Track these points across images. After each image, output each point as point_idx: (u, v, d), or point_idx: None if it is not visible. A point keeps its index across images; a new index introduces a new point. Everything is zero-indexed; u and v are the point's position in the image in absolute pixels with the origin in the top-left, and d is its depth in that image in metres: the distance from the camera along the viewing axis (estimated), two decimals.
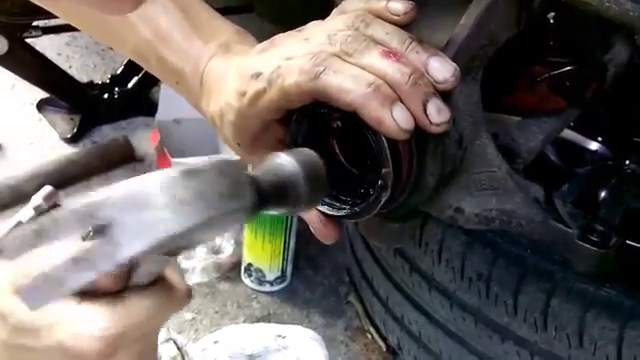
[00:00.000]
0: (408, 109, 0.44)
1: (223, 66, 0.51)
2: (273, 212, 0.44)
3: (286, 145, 0.51)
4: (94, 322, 0.40)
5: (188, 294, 0.44)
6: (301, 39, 0.47)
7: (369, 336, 0.94)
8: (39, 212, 1.12)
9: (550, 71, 0.73)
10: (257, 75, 0.46)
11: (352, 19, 0.47)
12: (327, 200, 0.48)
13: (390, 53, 0.45)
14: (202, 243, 0.40)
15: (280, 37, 0.49)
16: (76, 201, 0.37)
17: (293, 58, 0.45)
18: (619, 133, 0.95)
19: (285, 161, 0.42)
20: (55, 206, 1.15)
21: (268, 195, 0.41)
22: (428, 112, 0.44)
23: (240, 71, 0.48)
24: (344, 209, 0.48)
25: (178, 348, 0.86)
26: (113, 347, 0.40)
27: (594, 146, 0.98)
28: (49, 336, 0.41)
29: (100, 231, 0.36)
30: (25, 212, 1.12)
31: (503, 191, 0.54)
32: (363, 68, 0.44)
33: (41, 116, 1.39)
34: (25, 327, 0.41)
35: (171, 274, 0.44)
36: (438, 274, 0.75)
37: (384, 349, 0.91)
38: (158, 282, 0.42)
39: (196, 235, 0.38)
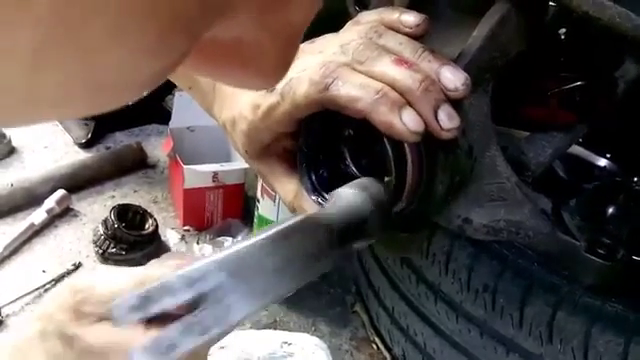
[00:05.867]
0: (419, 114, 0.45)
1: None
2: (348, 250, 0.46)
3: (298, 151, 0.52)
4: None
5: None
6: (315, 52, 0.48)
7: (374, 346, 0.94)
8: (52, 215, 1.14)
9: (560, 86, 0.74)
10: (271, 89, 0.47)
11: (366, 30, 0.48)
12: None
13: (402, 61, 0.46)
14: None
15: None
16: (182, 269, 0.38)
17: (306, 70, 0.46)
18: (628, 150, 0.96)
19: (356, 198, 0.43)
20: (68, 210, 1.17)
21: (348, 237, 0.43)
22: (439, 118, 0.45)
23: None
24: None
25: None
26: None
27: (603, 162, 0.98)
28: None
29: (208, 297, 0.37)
30: (38, 214, 1.14)
31: (512, 202, 0.54)
32: (374, 76, 0.45)
33: (56, 122, 1.42)
34: (94, 352, 0.42)
35: None
36: (444, 285, 0.76)
37: (389, 359, 0.92)
38: None
39: (287, 294, 0.40)
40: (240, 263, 0.37)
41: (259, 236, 0.38)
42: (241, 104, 0.51)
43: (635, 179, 0.90)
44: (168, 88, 1.37)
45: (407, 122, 0.44)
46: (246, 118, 0.50)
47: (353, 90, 0.44)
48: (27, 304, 0.96)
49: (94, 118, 1.38)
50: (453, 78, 0.46)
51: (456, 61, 0.49)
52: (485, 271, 0.71)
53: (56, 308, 0.43)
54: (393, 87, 0.45)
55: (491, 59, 0.51)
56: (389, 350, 0.91)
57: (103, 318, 0.43)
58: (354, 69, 0.46)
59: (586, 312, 0.66)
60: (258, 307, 0.38)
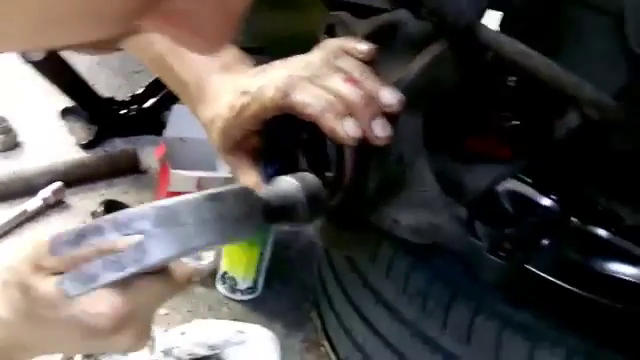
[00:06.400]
0: (358, 124, 0.56)
1: (221, 82, 0.62)
2: (279, 225, 0.51)
3: (261, 152, 0.63)
4: (108, 301, 0.45)
5: (188, 281, 0.50)
6: (285, 66, 0.59)
7: (322, 349, 1.03)
8: (46, 203, 1.24)
9: (499, 124, 0.86)
10: (245, 92, 0.58)
11: (326, 53, 0.60)
12: None
13: (351, 79, 0.58)
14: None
15: (270, 64, 0.61)
16: (117, 212, 0.44)
17: (273, 79, 0.57)
18: (570, 190, 1.07)
19: (289, 184, 0.51)
20: (61, 202, 1.27)
21: (275, 214, 0.49)
22: (374, 127, 0.56)
23: (234, 88, 0.59)
24: None
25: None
26: (122, 323, 0.46)
27: (547, 202, 1.09)
28: (67, 310, 0.45)
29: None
30: (33, 202, 1.24)
31: (433, 209, 0.65)
32: (327, 89, 0.56)
33: (62, 123, 1.53)
34: (45, 300, 0.46)
35: (177, 262, 0.49)
36: (385, 290, 0.86)
37: None
38: (164, 269, 0.49)
39: (211, 248, 0.46)
40: (166, 214, 0.43)
41: (196, 194, 0.44)
42: (220, 105, 0.60)
43: (573, 219, 1.00)
44: (165, 105, 1.50)
45: (347, 128, 0.55)
46: (222, 116, 0.60)
47: (307, 98, 0.56)
48: None
49: (97, 123, 1.49)
50: (390, 97, 0.58)
51: (395, 85, 0.60)
52: (420, 277, 0.81)
53: (19, 261, 0.48)
54: (340, 100, 0.56)
55: (424, 88, 0.63)
56: (336, 353, 1.00)
57: (58, 272, 0.46)
58: (312, 82, 0.57)
59: (499, 319, 0.75)
60: (174, 254, 0.43)
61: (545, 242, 0.89)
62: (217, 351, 0.91)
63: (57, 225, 1.22)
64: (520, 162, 0.84)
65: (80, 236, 0.44)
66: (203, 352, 0.90)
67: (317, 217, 0.55)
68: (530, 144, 0.85)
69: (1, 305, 0.48)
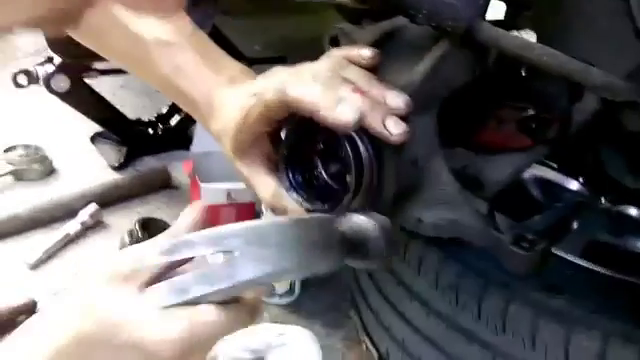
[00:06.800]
0: (371, 128, 0.56)
1: (229, 92, 0.63)
2: (353, 264, 0.50)
3: (279, 156, 0.64)
4: (175, 329, 0.43)
5: (258, 313, 0.48)
6: (292, 72, 0.60)
7: (364, 346, 1.05)
8: (85, 226, 1.29)
9: (517, 114, 0.85)
10: (253, 95, 0.59)
11: (333, 63, 0.61)
12: (305, 197, 0.62)
13: (358, 90, 0.59)
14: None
15: (278, 69, 0.62)
16: (208, 229, 0.44)
17: (280, 80, 0.58)
18: (597, 173, 1.06)
19: (364, 221, 0.51)
20: (99, 222, 1.31)
21: (352, 248, 0.49)
22: (387, 126, 0.57)
23: (244, 92, 0.60)
24: (316, 204, 0.61)
25: None
26: (185, 353, 0.44)
27: (575, 186, 1.08)
28: (129, 333, 0.43)
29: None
30: (72, 225, 1.29)
31: (453, 205, 0.66)
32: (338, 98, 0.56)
33: (93, 147, 1.58)
34: (110, 320, 0.44)
35: (249, 294, 0.48)
36: (418, 286, 0.87)
37: (376, 357, 1.02)
38: (237, 300, 0.47)
39: (292, 274, 0.46)
40: (257, 234, 0.43)
41: (281, 218, 0.46)
42: (231, 111, 0.61)
43: (601, 200, 1.00)
44: (191, 120, 1.53)
45: (343, 113, 0.55)
46: (233, 121, 0.60)
47: (301, 92, 0.55)
48: None
49: (127, 144, 1.54)
50: (397, 99, 0.59)
51: (403, 89, 0.61)
52: (450, 272, 0.82)
53: (91, 279, 0.46)
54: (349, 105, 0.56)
55: (433, 88, 0.63)
56: (377, 349, 1.02)
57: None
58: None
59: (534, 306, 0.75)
60: (263, 274, 0.42)
61: (575, 226, 0.88)
62: (260, 355, 0.93)
63: (97, 245, 1.27)
64: (540, 151, 0.83)
65: (171, 248, 0.44)
66: (247, 356, 0.93)
67: (392, 255, 0.54)
68: (548, 131, 0.84)
69: (58, 329, 0.45)
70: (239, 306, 0.47)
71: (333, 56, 0.62)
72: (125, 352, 0.43)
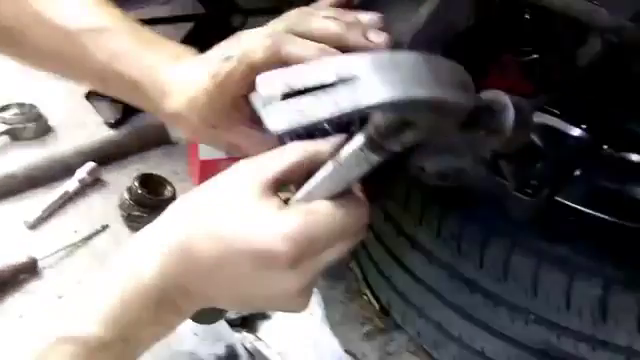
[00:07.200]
0: (355, 46, 0.54)
1: (180, 68, 0.59)
2: (473, 134, 0.45)
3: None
4: (289, 224, 0.41)
5: (365, 219, 0.45)
6: (259, 28, 0.57)
7: (364, 297, 1.06)
8: (83, 183, 1.28)
9: (519, 59, 0.84)
10: (228, 58, 0.55)
11: (307, 8, 0.59)
12: None
13: (329, 17, 0.56)
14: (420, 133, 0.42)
15: (240, 32, 0.59)
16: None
17: (255, 39, 0.55)
18: (600, 120, 1.04)
19: (493, 93, 0.45)
20: (97, 180, 1.31)
21: (479, 111, 0.42)
22: (369, 37, 0.55)
23: (208, 61, 0.57)
24: None
25: None
26: (301, 252, 0.41)
27: (577, 132, 1.07)
28: (242, 239, 0.42)
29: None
30: (71, 183, 1.28)
31: (457, 153, 0.65)
32: (310, 32, 0.55)
33: (88, 104, 1.55)
34: (223, 232, 0.43)
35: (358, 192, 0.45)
36: (419, 236, 0.87)
37: (377, 308, 1.03)
38: (348, 195, 0.44)
39: (421, 112, 0.39)
40: (384, 60, 0.39)
41: (414, 53, 0.39)
42: (197, 81, 0.57)
43: (605, 146, 0.99)
44: None
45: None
46: (206, 89, 0.56)
47: (299, 50, 0.54)
48: (61, 258, 1.11)
49: (122, 101, 1.51)
50: (369, 16, 0.57)
51: (405, 32, 0.60)
52: (452, 220, 0.82)
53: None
54: (328, 37, 0.54)
55: (436, 31, 0.62)
56: (377, 300, 1.03)
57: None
58: (295, 33, 0.55)
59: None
60: (393, 99, 0.37)
61: (577, 173, 0.88)
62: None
63: (97, 202, 1.26)
64: (543, 96, 0.82)
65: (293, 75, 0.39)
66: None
67: (522, 130, 0.47)
68: (552, 76, 0.83)
69: (162, 244, 0.45)
70: (351, 204, 0.44)
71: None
72: (240, 258, 0.42)
